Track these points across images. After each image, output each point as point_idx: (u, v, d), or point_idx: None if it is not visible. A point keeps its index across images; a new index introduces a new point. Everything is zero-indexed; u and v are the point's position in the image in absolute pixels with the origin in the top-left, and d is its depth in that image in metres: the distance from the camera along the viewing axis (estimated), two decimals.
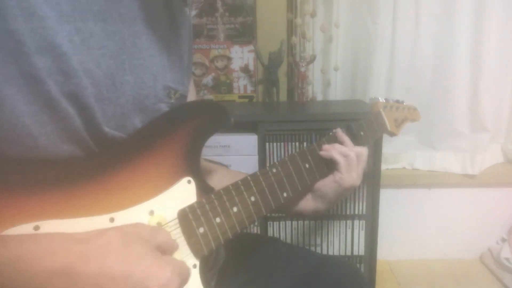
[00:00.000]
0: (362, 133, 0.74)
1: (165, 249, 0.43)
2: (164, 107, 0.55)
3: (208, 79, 1.45)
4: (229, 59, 1.44)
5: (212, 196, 0.53)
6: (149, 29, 0.53)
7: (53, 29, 0.41)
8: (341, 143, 0.69)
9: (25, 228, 0.39)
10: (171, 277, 0.39)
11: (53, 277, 0.35)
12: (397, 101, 0.89)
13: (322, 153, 0.67)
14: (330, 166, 0.67)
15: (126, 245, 0.39)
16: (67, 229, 0.40)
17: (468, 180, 1.48)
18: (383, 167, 1.46)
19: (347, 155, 0.66)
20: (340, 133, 0.70)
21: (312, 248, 1.31)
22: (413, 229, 1.58)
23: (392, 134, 0.85)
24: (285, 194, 0.62)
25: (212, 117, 0.57)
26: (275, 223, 1.28)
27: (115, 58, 0.48)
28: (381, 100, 0.84)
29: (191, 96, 0.67)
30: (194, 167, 0.53)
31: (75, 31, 0.44)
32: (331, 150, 0.66)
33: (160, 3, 0.56)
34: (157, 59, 0.54)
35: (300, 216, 0.72)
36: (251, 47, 1.43)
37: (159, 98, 0.54)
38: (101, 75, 0.46)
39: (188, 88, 0.63)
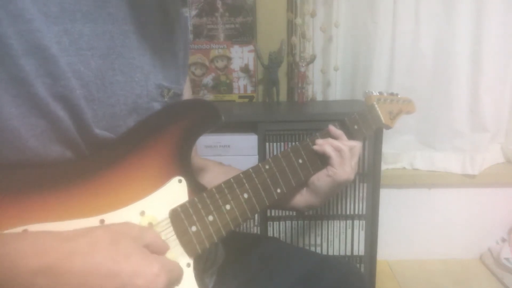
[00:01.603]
0: (356, 126, 0.74)
1: (154, 249, 0.42)
2: (157, 106, 0.55)
3: (208, 79, 1.45)
4: (229, 59, 1.44)
5: (204, 194, 0.52)
6: (140, 28, 0.52)
7: (41, 32, 0.41)
8: (335, 137, 0.69)
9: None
10: (159, 273, 0.38)
11: (39, 275, 0.35)
12: (392, 94, 0.89)
13: (315, 147, 0.67)
14: (323, 160, 0.67)
15: (113, 243, 0.38)
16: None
17: (468, 180, 1.48)
18: (383, 167, 1.46)
19: (340, 149, 0.66)
20: (334, 129, 0.69)
21: (312, 248, 1.30)
22: (413, 229, 1.58)
23: (387, 127, 0.85)
24: (278, 190, 0.61)
25: (202, 115, 0.56)
26: (275, 223, 1.28)
27: (105, 58, 0.48)
28: (375, 93, 0.84)
29: (186, 95, 0.67)
30: (185, 166, 0.53)
31: (63, 32, 0.43)
32: (324, 145, 0.66)
33: (152, 1, 0.55)
34: (149, 58, 0.53)
35: (294, 211, 0.72)
36: (251, 47, 1.43)
37: (151, 97, 0.54)
38: (91, 76, 0.46)
39: (183, 87, 0.63)
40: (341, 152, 0.66)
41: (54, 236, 0.38)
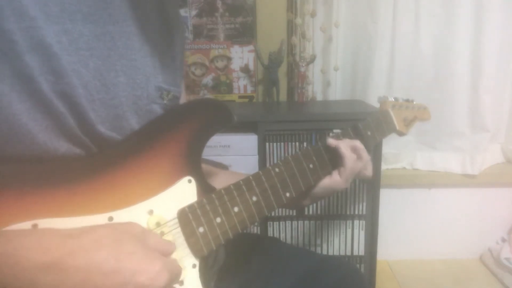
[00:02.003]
0: (369, 132, 0.73)
1: (157, 251, 0.43)
2: (157, 108, 0.55)
3: (208, 79, 1.45)
4: (229, 59, 1.44)
5: (213, 195, 0.52)
6: (140, 30, 0.52)
7: (43, 29, 0.42)
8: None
9: (23, 226, 0.39)
10: (160, 271, 0.39)
11: (43, 271, 0.35)
12: (407, 100, 0.88)
13: (341, 151, 0.66)
14: (334, 166, 0.67)
15: (116, 241, 0.39)
16: (65, 227, 0.40)
17: (468, 180, 1.48)
18: (383, 167, 1.46)
19: (360, 157, 0.67)
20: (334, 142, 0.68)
21: (312, 248, 1.31)
22: (413, 229, 1.58)
23: (401, 134, 0.84)
24: (287, 194, 0.61)
25: (214, 116, 0.56)
26: (275, 223, 1.28)
27: (105, 59, 0.48)
28: (390, 99, 0.83)
29: (181, 97, 0.67)
30: (195, 166, 0.53)
31: (63, 32, 0.44)
32: (346, 154, 0.66)
33: (152, 4, 0.56)
34: (149, 60, 0.54)
35: (284, 208, 0.72)
36: (251, 47, 1.43)
37: (151, 99, 0.54)
38: (89, 76, 0.46)
39: (181, 89, 0.63)
40: (360, 161, 0.67)
41: (58, 233, 0.38)
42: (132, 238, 0.40)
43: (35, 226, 0.40)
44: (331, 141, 0.67)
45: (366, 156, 0.68)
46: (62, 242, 0.37)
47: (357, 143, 0.68)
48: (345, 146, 0.67)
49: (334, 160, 0.67)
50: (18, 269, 0.35)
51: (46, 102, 0.42)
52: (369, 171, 0.71)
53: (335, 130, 0.71)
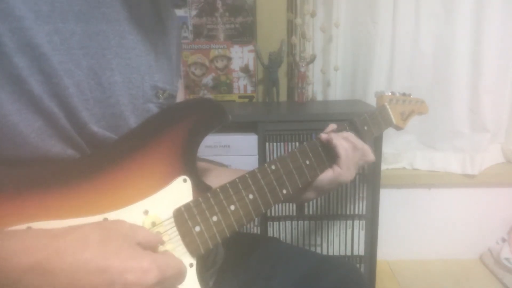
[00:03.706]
0: (366, 127, 0.73)
1: (146, 247, 0.42)
2: (153, 107, 0.55)
3: (208, 79, 1.45)
4: (229, 59, 1.44)
5: (209, 194, 0.52)
6: (134, 29, 0.52)
7: (32, 30, 0.42)
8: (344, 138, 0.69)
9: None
10: (149, 268, 0.38)
11: (28, 272, 0.34)
12: (404, 94, 0.88)
13: (331, 140, 0.65)
14: (330, 160, 0.67)
15: (103, 240, 0.38)
16: None
17: (468, 180, 1.48)
18: (383, 167, 1.46)
19: (356, 147, 0.66)
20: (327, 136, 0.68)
21: (312, 248, 1.30)
22: (413, 229, 1.58)
23: (398, 128, 0.84)
24: (284, 191, 0.61)
25: (208, 115, 0.56)
26: (275, 223, 1.28)
27: (99, 58, 0.48)
28: (387, 93, 0.83)
29: (179, 96, 0.67)
30: (190, 166, 0.53)
31: (54, 31, 0.44)
32: (336, 141, 0.66)
33: (146, 3, 0.56)
34: (144, 59, 0.54)
35: (289, 202, 0.72)
36: (251, 47, 1.43)
37: (147, 98, 0.54)
38: (82, 76, 0.46)
39: (178, 88, 0.63)
40: (356, 151, 0.66)
41: (43, 233, 0.37)
42: (119, 236, 0.39)
43: (29, 229, 0.39)
44: (323, 136, 0.67)
45: (360, 144, 0.67)
46: (48, 243, 0.36)
47: (348, 134, 0.68)
48: (337, 137, 0.67)
49: (331, 154, 0.67)
50: (3, 271, 0.34)
51: (37, 102, 0.42)
52: (370, 157, 0.70)
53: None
